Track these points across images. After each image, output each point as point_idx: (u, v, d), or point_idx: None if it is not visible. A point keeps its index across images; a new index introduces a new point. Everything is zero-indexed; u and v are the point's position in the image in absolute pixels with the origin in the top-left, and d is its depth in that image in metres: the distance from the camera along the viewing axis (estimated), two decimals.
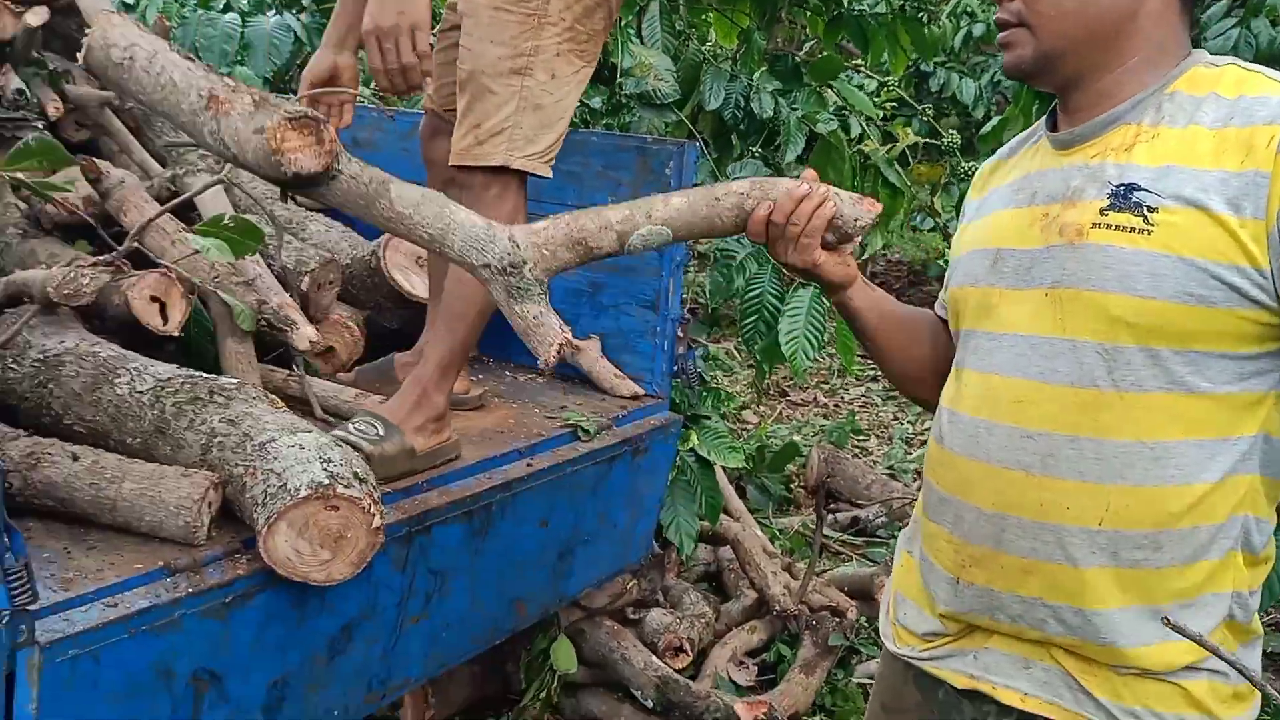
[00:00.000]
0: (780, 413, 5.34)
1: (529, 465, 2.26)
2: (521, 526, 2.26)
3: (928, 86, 7.55)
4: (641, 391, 2.70)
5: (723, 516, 3.58)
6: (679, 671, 2.77)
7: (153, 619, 1.54)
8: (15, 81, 2.72)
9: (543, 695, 2.69)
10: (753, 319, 3.17)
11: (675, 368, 2.73)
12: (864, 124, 3.70)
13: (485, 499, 2.13)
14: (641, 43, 3.55)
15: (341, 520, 1.67)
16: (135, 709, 1.56)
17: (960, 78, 7.51)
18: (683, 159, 2.63)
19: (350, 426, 2.05)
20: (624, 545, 2.67)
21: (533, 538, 2.31)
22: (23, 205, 2.48)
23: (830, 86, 3.70)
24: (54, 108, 2.79)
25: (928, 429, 5.05)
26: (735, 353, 5.61)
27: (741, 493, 4.20)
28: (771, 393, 5.60)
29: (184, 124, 1.46)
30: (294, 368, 2.36)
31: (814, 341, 2.97)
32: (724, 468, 4.20)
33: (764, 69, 3.74)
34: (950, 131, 3.81)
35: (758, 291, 3.17)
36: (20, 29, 2.74)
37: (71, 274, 2.02)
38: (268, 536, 1.62)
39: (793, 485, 4.37)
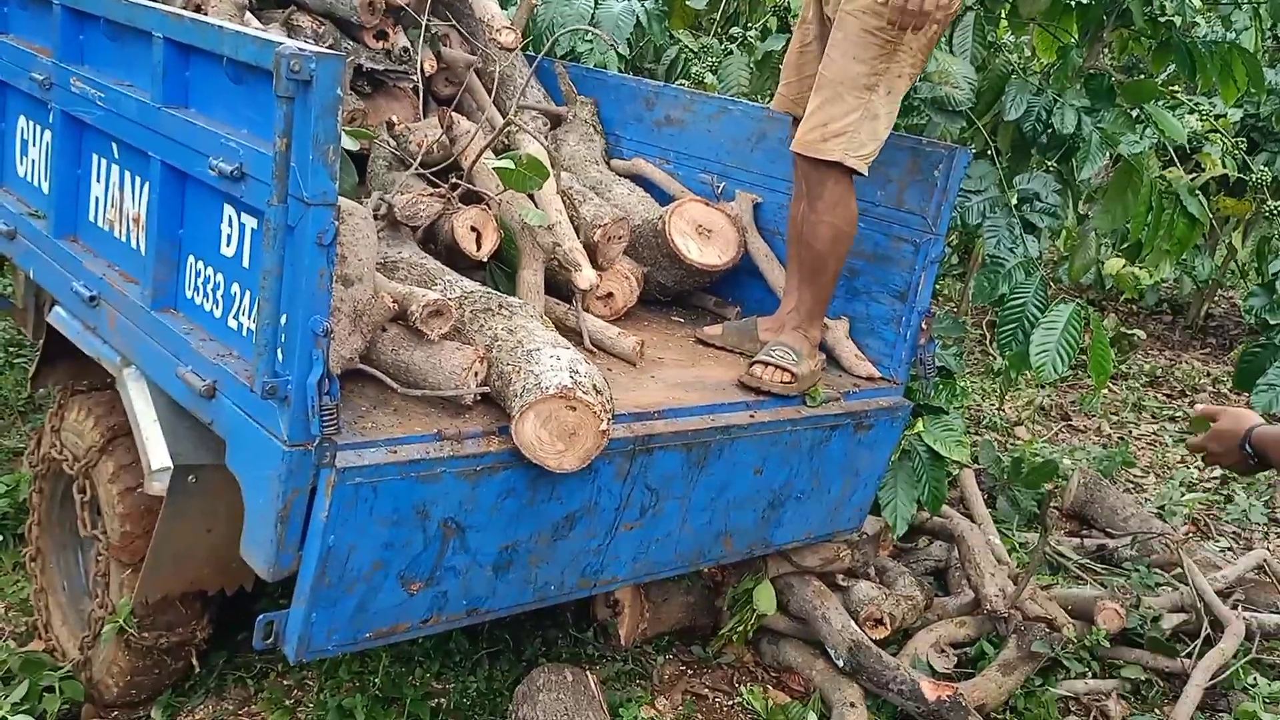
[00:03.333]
0: (1056, 434, 5.22)
1: (751, 416, 2.53)
2: (736, 470, 2.54)
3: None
4: (878, 374, 2.89)
5: (956, 515, 3.67)
6: (876, 642, 2.94)
7: (419, 469, 1.98)
8: (402, 40, 3.33)
9: (740, 630, 2.96)
10: (1012, 326, 3.24)
11: (915, 357, 2.88)
12: (1172, 150, 3.60)
13: (705, 436, 2.43)
14: (951, 50, 3.66)
15: (577, 419, 2.04)
16: (397, 535, 2.01)
17: None
18: (952, 163, 2.77)
19: (772, 352, 2.62)
20: (835, 511, 2.88)
21: (745, 482, 2.59)
22: (391, 143, 3.06)
23: (1141, 109, 3.62)
24: (430, 64, 3.38)
25: (1213, 476, 4.77)
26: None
27: (992, 503, 4.23)
28: (1053, 414, 5.47)
29: None
30: (573, 303, 2.77)
31: (1065, 357, 3.01)
32: (978, 474, 4.26)
33: (1076, 86, 3.73)
34: (1260, 168, 3.59)
35: (1021, 300, 3.24)
36: None
37: (413, 199, 2.53)
38: (519, 422, 2.02)
39: (1046, 505, 4.32)
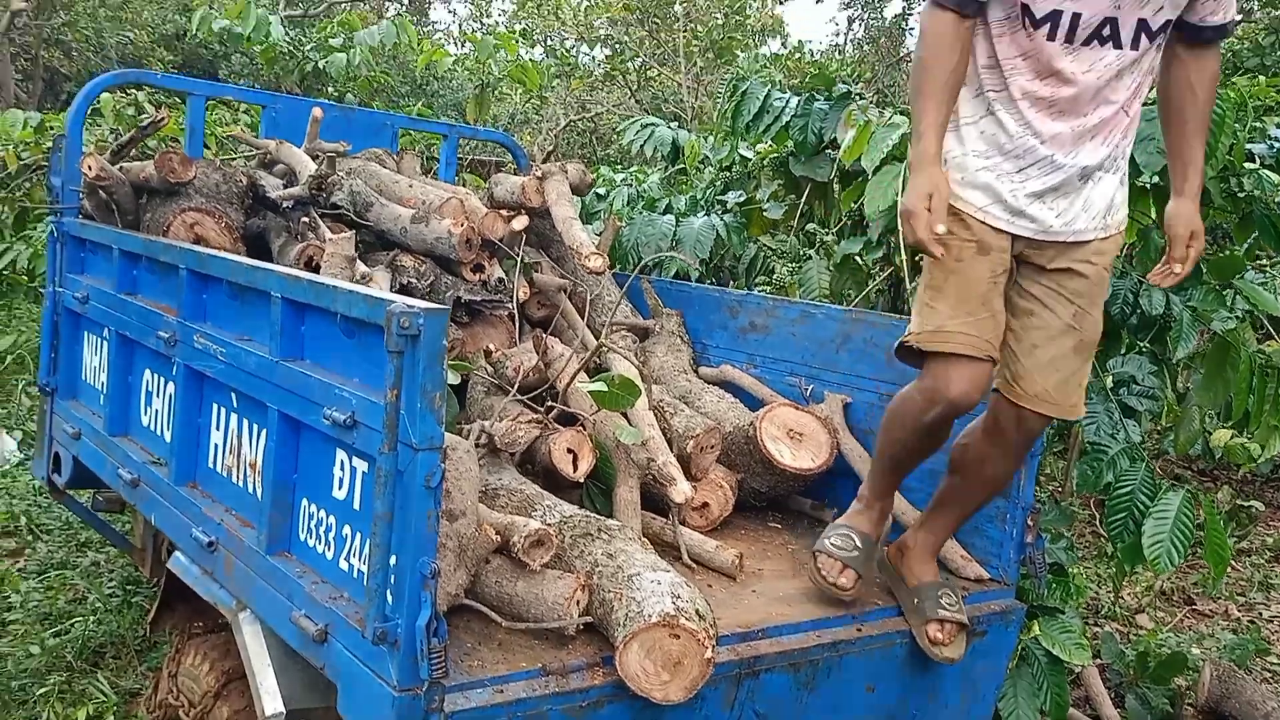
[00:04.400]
0: (1180, 620, 4.94)
1: (858, 630, 2.48)
2: (847, 688, 2.47)
3: None
4: (986, 575, 2.81)
5: (1080, 717, 3.47)
6: None
7: (526, 708, 1.98)
8: (498, 271, 3.52)
9: None
10: (1121, 516, 3.14)
11: (1023, 555, 2.81)
12: (1269, 322, 3.54)
13: (813, 655, 2.38)
14: None
15: (681, 647, 2.03)
16: None
17: None
18: None
19: (828, 541, 2.57)
20: None
21: (858, 701, 2.51)
22: (489, 370, 3.19)
23: (1232, 285, 3.60)
24: (524, 292, 3.56)
25: None
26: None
27: (1120, 701, 3.99)
28: (1175, 599, 5.19)
29: None
30: (670, 518, 2.79)
31: (1180, 548, 2.90)
32: (1103, 670, 4.05)
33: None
34: None
35: (1128, 489, 3.15)
36: (508, 232, 3.56)
37: (511, 427, 2.62)
38: (623, 652, 2.02)
39: (1180, 701, 4.05)
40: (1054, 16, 2.21)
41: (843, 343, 3.26)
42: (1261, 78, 5.12)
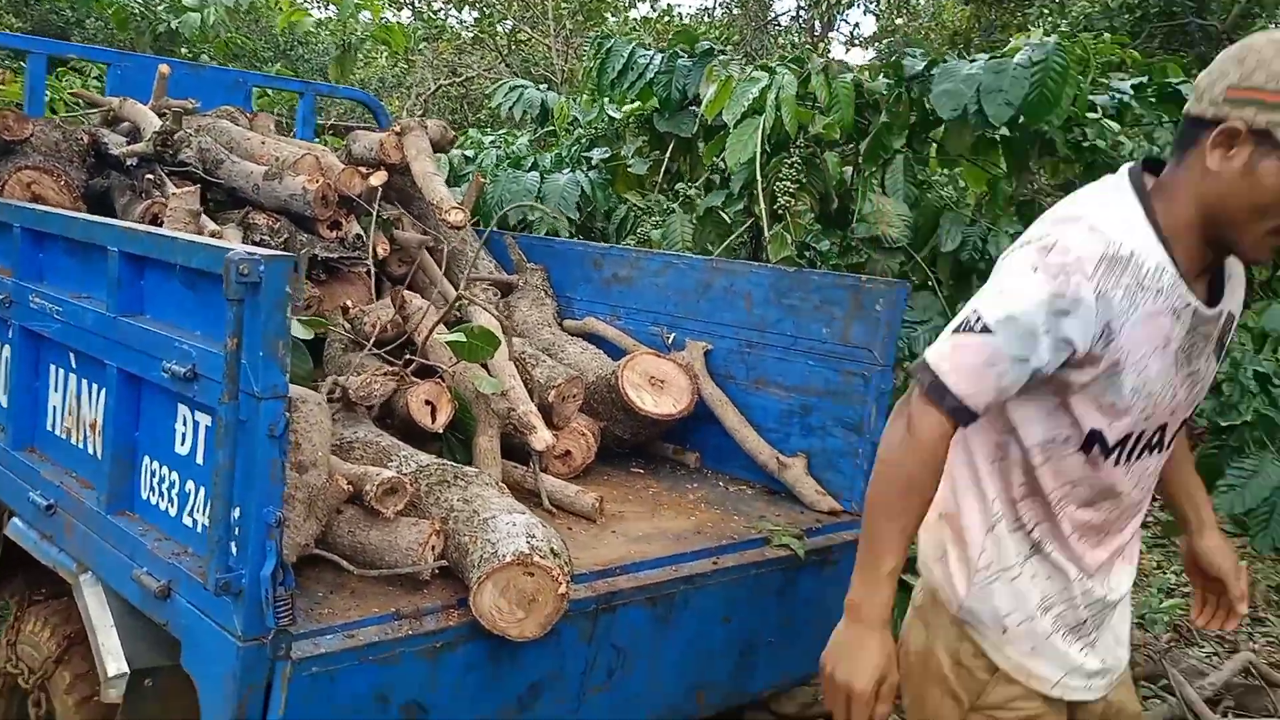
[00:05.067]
0: None
1: (714, 563, 2.55)
2: (704, 619, 2.54)
3: None
4: (840, 508, 2.92)
5: None
6: None
7: (378, 652, 1.98)
8: (355, 228, 3.47)
9: None
10: None
11: None
12: None
13: (669, 588, 2.44)
14: (884, 191, 3.84)
15: (535, 585, 2.06)
16: None
17: None
18: (892, 298, 2.87)
19: None
20: (811, 653, 2.86)
21: (715, 631, 2.59)
22: (346, 326, 3.15)
23: None
24: (383, 249, 3.52)
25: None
26: None
27: None
28: None
29: None
30: (530, 465, 2.82)
31: None
32: None
33: (1009, 213, 3.90)
34: None
35: None
36: (365, 188, 3.51)
37: (367, 380, 2.60)
38: (476, 592, 2.04)
39: None
40: (1126, 440, 1.74)
41: (704, 291, 3.32)
42: (1107, 34, 5.36)
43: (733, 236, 3.69)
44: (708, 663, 2.62)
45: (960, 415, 1.64)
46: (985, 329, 1.60)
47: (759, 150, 3.40)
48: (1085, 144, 4.01)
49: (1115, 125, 4.16)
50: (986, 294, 1.65)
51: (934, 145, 4.01)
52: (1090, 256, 1.58)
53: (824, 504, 2.94)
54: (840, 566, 2.83)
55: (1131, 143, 4.97)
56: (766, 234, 3.48)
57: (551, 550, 2.10)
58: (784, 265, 3.34)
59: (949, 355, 1.64)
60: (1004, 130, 3.84)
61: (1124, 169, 1.75)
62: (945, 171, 4.33)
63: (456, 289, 3.49)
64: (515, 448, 2.89)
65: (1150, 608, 4.45)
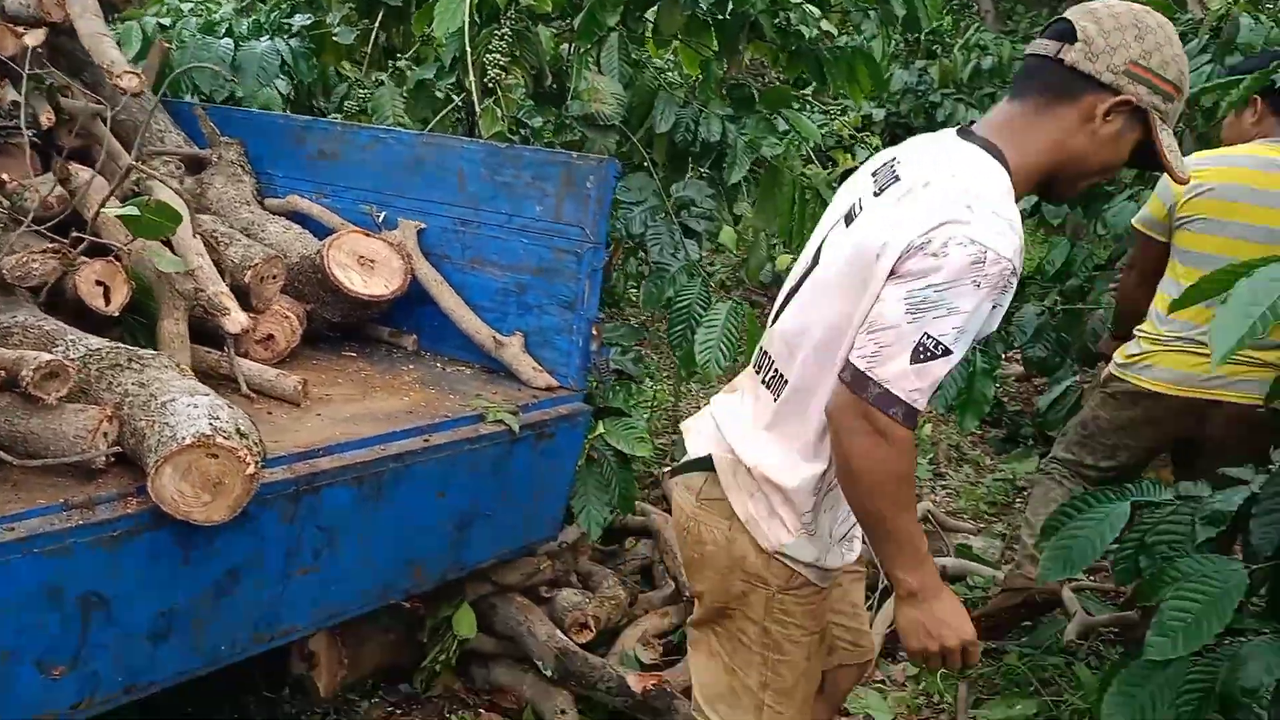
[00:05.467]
0: None
1: (426, 441, 2.52)
2: (416, 496, 2.51)
3: (934, 116, 7.75)
4: (556, 384, 2.95)
5: (655, 512, 3.81)
6: (584, 646, 2.99)
7: (44, 543, 1.82)
8: (11, 94, 3.07)
9: (442, 659, 2.92)
10: (680, 327, 3.40)
11: (590, 364, 2.97)
12: (809, 150, 3.92)
13: (376, 467, 2.38)
14: (599, 69, 3.81)
15: (220, 467, 1.94)
16: (27, 619, 1.84)
17: (967, 109, 7.71)
18: (603, 174, 2.87)
19: None
20: (528, 524, 2.92)
21: (429, 507, 2.57)
22: (5, 202, 2.81)
23: (780, 114, 3.93)
24: (46, 118, 3.14)
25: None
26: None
27: None
28: None
29: None
30: (225, 349, 2.65)
31: (726, 352, 3.19)
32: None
33: (720, 96, 3.98)
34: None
35: (686, 302, 3.40)
36: (19, 48, 3.10)
37: (24, 258, 2.33)
38: (155, 477, 1.90)
39: None
40: None
41: (415, 168, 3.20)
42: None
43: (444, 111, 3.55)
44: (422, 538, 2.60)
45: (911, 420, 1.66)
46: (946, 351, 1.61)
47: (466, 21, 3.26)
48: (790, 29, 4.15)
49: (817, 10, 4.33)
50: (926, 312, 1.61)
51: (649, 24, 4.01)
52: (1015, 252, 1.62)
53: (540, 380, 2.95)
54: (556, 439, 2.87)
55: (842, 33, 5.21)
56: (478, 106, 3.38)
57: (238, 431, 1.98)
58: (496, 141, 3.26)
59: (916, 384, 1.62)
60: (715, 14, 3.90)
61: (956, 131, 1.79)
62: (666, 55, 4.36)
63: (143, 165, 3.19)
64: (210, 332, 2.70)
65: None
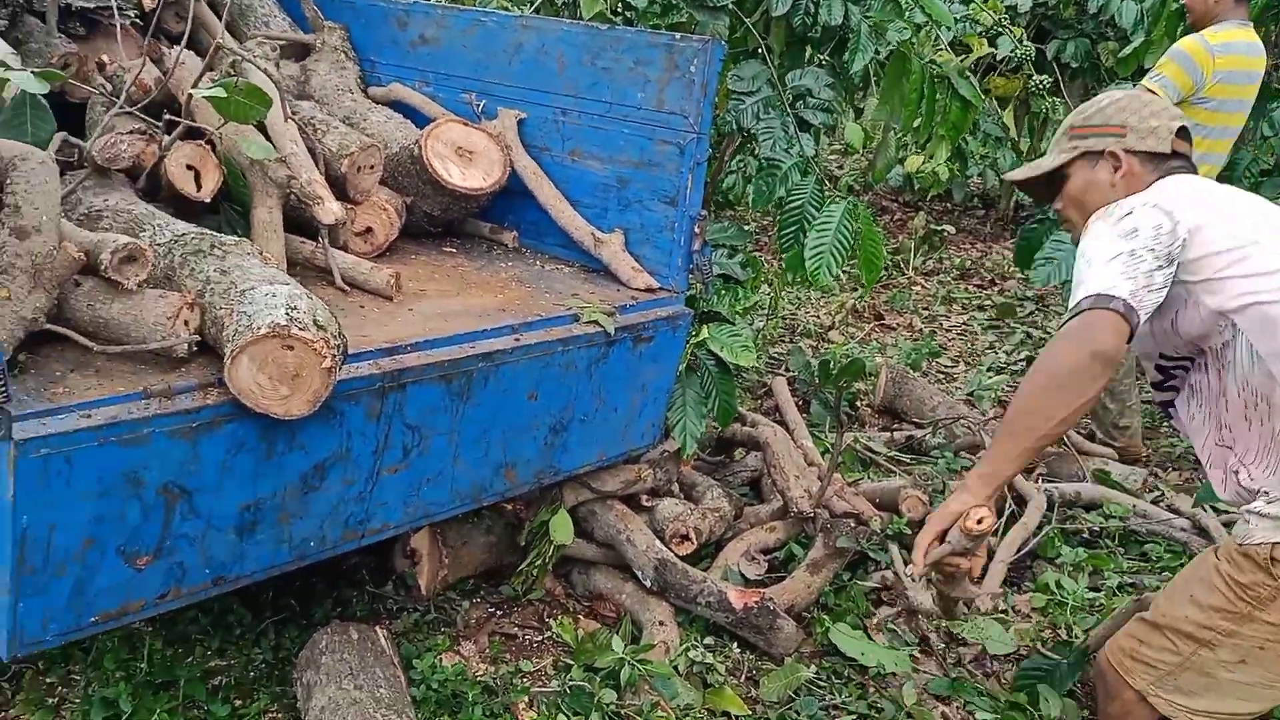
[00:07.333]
0: (869, 334, 5.29)
1: (516, 340, 2.41)
2: (507, 397, 2.42)
3: (1086, 7, 7.14)
4: (655, 285, 2.80)
5: (763, 422, 3.65)
6: (684, 558, 2.89)
7: (121, 431, 1.78)
8: None
9: (539, 564, 2.86)
10: (792, 229, 3.19)
11: (691, 264, 2.80)
12: (941, 35, 3.60)
13: (465, 365, 2.29)
14: None
15: (297, 359, 1.87)
16: (108, 507, 1.81)
17: (1121, 0, 7.08)
18: (707, 57, 2.66)
19: None
20: (626, 430, 2.80)
21: (520, 408, 2.47)
22: (106, 84, 2.77)
23: None
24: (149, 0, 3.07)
25: (1022, 358, 4.90)
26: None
27: (806, 406, 4.24)
28: (866, 315, 5.54)
29: None
30: (319, 240, 2.58)
31: (838, 258, 2.97)
32: (792, 380, 4.26)
33: None
34: (1025, 44, 3.62)
35: (799, 202, 3.19)
36: None
37: (111, 140, 2.28)
38: (231, 367, 1.84)
39: (859, 403, 4.37)
40: None
41: (515, 53, 3.04)
42: None
43: None
44: (514, 440, 2.51)
45: (1132, 316, 1.77)
46: None
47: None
48: None
49: None
50: None
51: None
52: None
53: (639, 280, 2.81)
54: (655, 343, 2.73)
55: None
56: None
57: (315, 322, 1.89)
58: (596, 23, 3.06)
59: None
60: None
61: None
62: None
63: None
64: (308, 223, 2.63)
65: (979, 384, 4.59)
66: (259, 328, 1.83)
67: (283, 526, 2.11)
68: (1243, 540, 1.87)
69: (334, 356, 1.89)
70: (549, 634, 2.83)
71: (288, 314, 1.87)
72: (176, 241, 2.12)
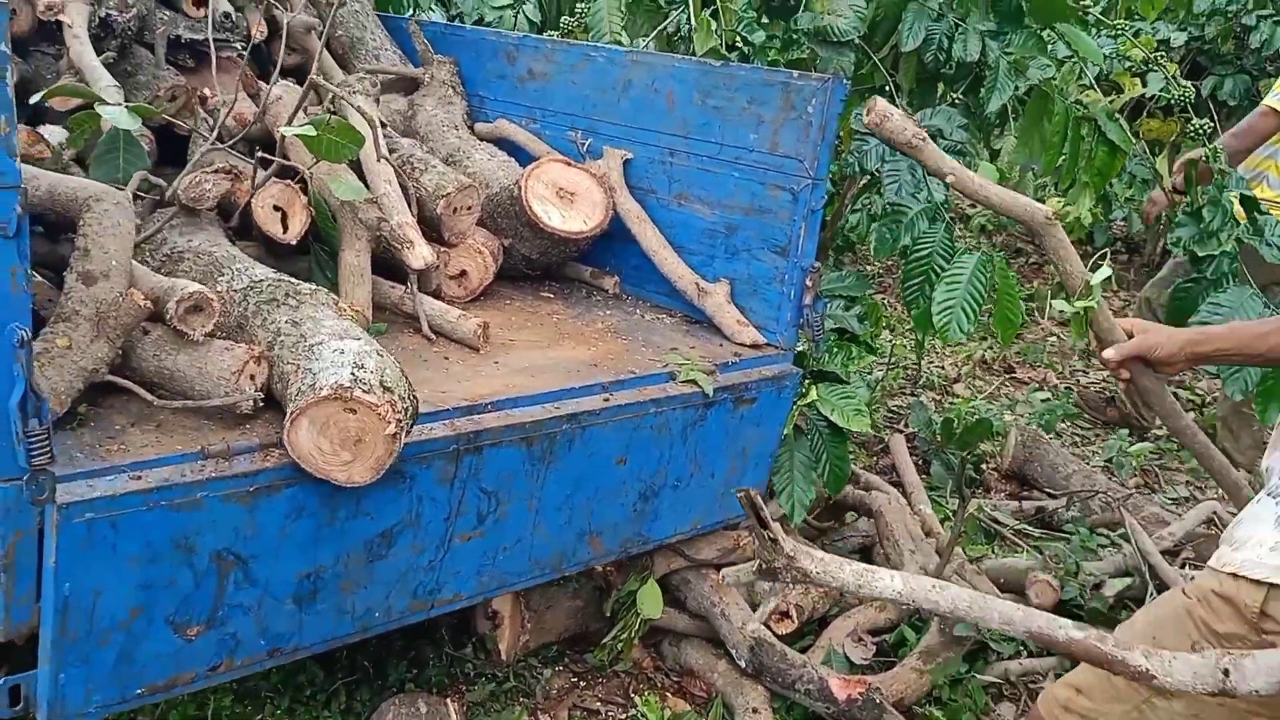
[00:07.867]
0: (997, 388, 4.93)
1: (606, 399, 2.23)
2: (593, 461, 2.24)
3: (1246, 42, 6.62)
4: (762, 340, 2.59)
5: (879, 486, 3.39)
6: (783, 637, 2.66)
7: (173, 495, 1.67)
8: (224, 5, 2.99)
9: (625, 636, 2.67)
10: (918, 281, 2.93)
11: (802, 319, 2.59)
12: (1088, 72, 3.29)
13: (549, 427, 2.12)
14: None
15: (359, 424, 1.73)
16: (157, 574, 1.70)
17: None
18: (826, 97, 2.46)
19: None
20: (724, 497, 2.59)
21: (607, 474, 2.29)
22: (209, 119, 2.72)
23: (1054, 30, 3.31)
24: (258, 31, 3.04)
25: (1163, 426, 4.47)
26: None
27: (926, 467, 3.95)
28: (996, 368, 5.18)
29: None
30: (408, 285, 2.46)
31: (970, 313, 2.70)
32: (911, 438, 3.97)
33: (980, 8, 3.41)
34: (1184, 84, 3.27)
35: (925, 251, 2.93)
36: None
37: (196, 179, 2.20)
38: (291, 430, 1.71)
39: (984, 466, 4.04)
40: None
41: (624, 90, 2.89)
42: None
43: (663, 25, 3.20)
44: (600, 507, 2.33)
45: None
46: None
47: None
48: None
49: None
50: None
51: None
52: None
53: (745, 335, 2.61)
54: (759, 404, 2.52)
55: None
56: (694, 21, 3.01)
57: (382, 384, 1.75)
58: (709, 60, 2.88)
59: None
60: None
61: None
62: None
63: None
64: (402, 266, 2.52)
65: (1119, 450, 4.20)
66: (321, 388, 1.70)
67: (345, 596, 1.97)
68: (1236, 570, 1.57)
69: (399, 421, 1.74)
70: (633, 712, 2.63)
71: (353, 374, 1.73)
72: (252, 288, 2.02)
